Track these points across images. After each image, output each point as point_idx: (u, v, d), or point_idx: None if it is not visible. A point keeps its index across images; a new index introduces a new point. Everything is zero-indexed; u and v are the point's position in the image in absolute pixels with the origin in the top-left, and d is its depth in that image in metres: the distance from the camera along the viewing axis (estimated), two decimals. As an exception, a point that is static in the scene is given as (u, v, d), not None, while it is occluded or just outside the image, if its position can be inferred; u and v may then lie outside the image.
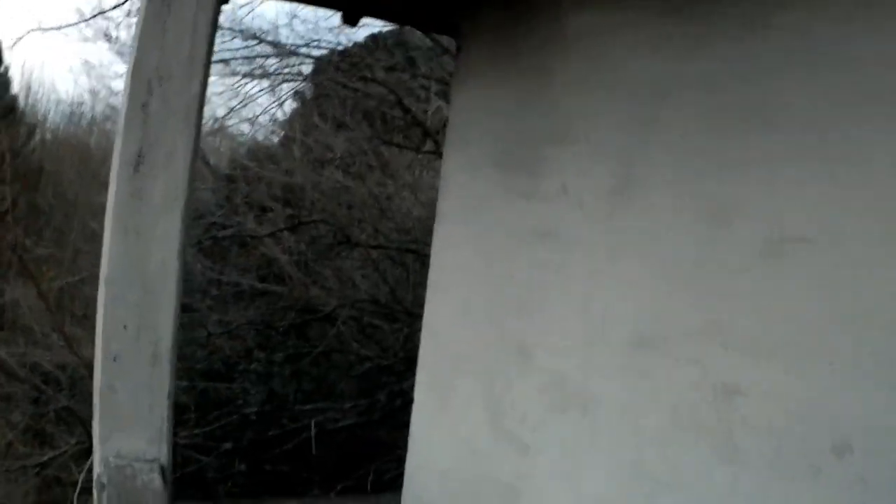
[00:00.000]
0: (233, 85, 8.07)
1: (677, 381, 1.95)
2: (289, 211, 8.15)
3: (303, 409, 6.51)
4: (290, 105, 9.92)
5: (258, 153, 9.84)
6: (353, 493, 4.92)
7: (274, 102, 9.29)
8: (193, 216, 9.20)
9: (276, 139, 10.26)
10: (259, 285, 8.05)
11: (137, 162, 1.59)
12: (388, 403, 6.47)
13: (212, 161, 9.36)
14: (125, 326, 1.64)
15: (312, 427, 5.91)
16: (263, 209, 8.51)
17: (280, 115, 9.76)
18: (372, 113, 8.07)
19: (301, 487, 5.63)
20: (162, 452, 1.70)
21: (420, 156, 7.87)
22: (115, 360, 1.64)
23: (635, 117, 2.18)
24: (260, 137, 9.97)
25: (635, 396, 2.09)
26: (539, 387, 2.45)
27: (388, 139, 7.87)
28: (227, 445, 5.87)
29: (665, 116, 2.09)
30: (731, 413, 1.79)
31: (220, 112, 8.87)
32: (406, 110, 7.53)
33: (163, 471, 1.71)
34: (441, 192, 3.19)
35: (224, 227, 8.27)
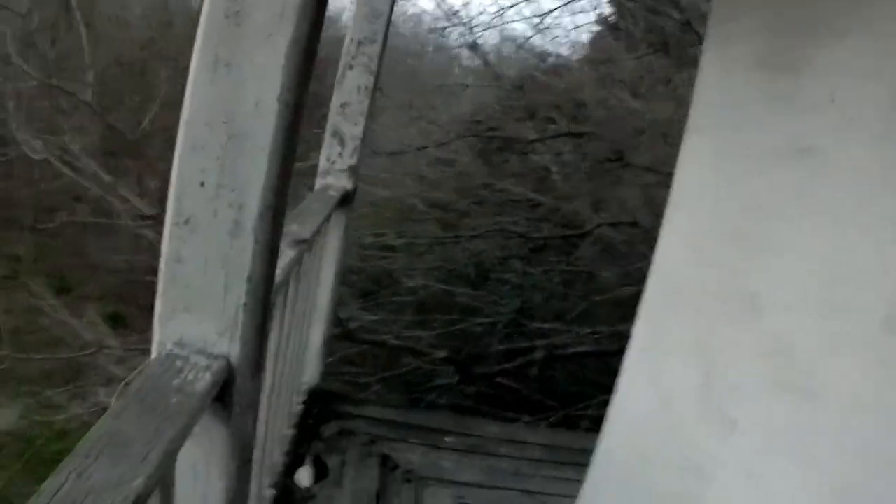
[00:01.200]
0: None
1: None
2: (569, 125, 7.80)
3: (540, 327, 6.21)
4: (585, 20, 9.62)
5: (548, 65, 9.58)
6: (565, 427, 4.53)
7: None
8: (471, 119, 9.22)
9: (568, 54, 9.98)
10: (529, 194, 7.83)
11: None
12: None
13: (494, 64, 9.16)
14: (202, 183, 1.32)
15: (540, 350, 5.58)
16: (544, 119, 8.26)
17: (574, 32, 9.43)
18: (665, 37, 7.55)
19: (513, 411, 5.38)
20: (234, 350, 1.39)
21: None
22: (186, 223, 1.33)
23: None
24: (551, 50, 9.65)
25: (883, 389, 1.49)
26: (761, 353, 1.88)
27: (679, 63, 7.27)
28: (441, 353, 5.70)
29: None
30: None
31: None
32: (699, 35, 6.82)
33: (231, 372, 1.40)
34: (694, 98, 2.60)
35: (495, 129, 8.10)
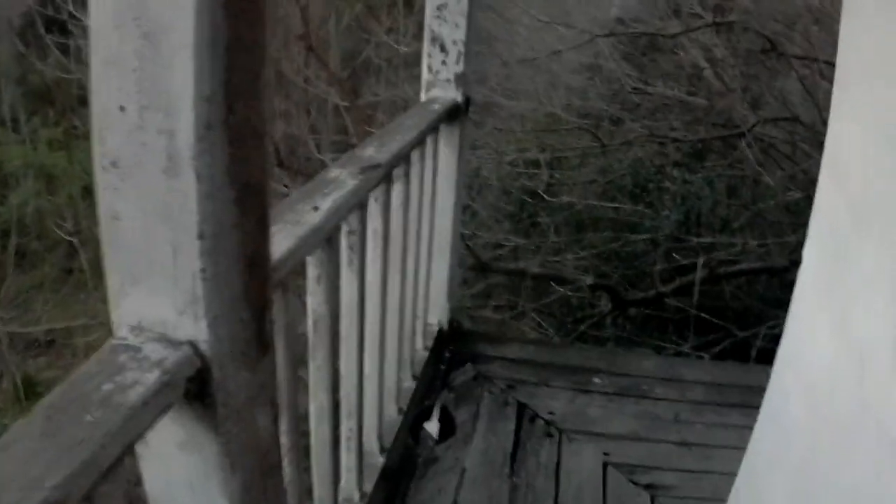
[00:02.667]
0: None
1: None
2: (714, 17, 6.95)
3: (703, 241, 5.53)
4: None
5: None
6: (732, 357, 3.95)
7: None
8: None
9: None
10: (680, 95, 7.07)
11: None
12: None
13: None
14: (122, 108, 0.91)
15: (703, 268, 4.94)
16: (689, 15, 7.41)
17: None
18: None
19: (674, 339, 4.81)
20: (201, 332, 0.98)
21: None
22: (114, 165, 0.92)
23: None
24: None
25: None
26: None
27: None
28: (588, 280, 5.14)
29: None
30: None
31: None
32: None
33: (204, 362, 1.00)
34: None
35: (637, 28, 7.34)
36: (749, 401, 3.12)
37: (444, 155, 3.06)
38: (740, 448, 2.64)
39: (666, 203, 7.23)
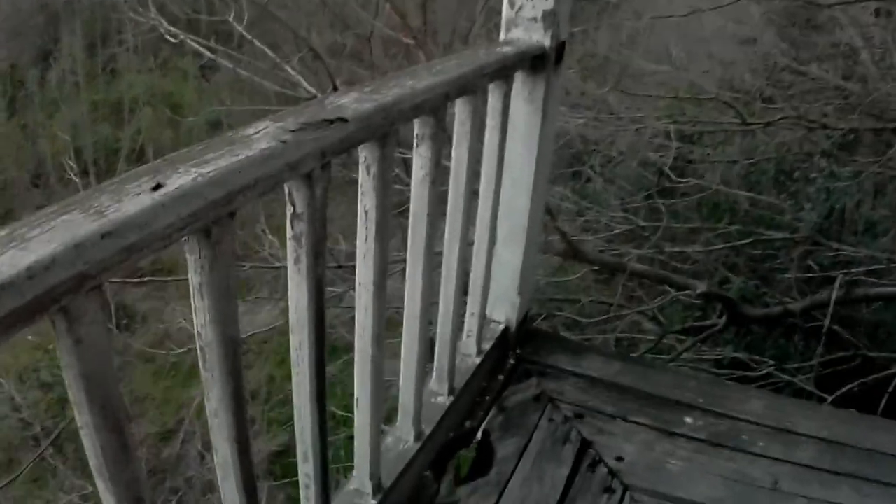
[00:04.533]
0: None
1: None
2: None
3: (841, 251, 4.65)
4: None
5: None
6: (859, 404, 3.19)
7: None
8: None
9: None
10: (834, 80, 6.14)
11: None
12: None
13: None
14: None
15: (835, 286, 4.11)
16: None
17: None
18: None
19: (793, 371, 4.03)
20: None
21: None
22: None
23: None
24: None
25: None
26: None
27: None
28: (701, 287, 4.35)
29: None
30: None
31: None
32: None
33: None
34: None
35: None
36: (862, 471, 2.43)
37: (522, 113, 2.43)
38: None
39: (810, 195, 6.36)
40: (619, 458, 2.42)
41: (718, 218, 6.15)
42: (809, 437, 2.53)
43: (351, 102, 1.46)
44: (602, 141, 6.48)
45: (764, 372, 4.25)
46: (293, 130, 1.28)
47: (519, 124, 2.42)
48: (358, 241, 1.69)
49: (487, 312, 2.79)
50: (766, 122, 6.24)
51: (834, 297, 4.04)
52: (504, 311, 2.78)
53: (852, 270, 4.44)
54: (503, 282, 2.70)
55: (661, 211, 5.69)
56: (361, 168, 1.60)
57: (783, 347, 4.54)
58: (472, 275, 2.47)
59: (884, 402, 3.39)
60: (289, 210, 1.42)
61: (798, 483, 2.34)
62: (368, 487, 2.02)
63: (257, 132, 1.26)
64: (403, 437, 2.23)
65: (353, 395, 1.90)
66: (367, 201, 1.63)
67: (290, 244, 1.45)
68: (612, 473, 2.36)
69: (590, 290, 5.31)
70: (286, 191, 1.39)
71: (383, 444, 2.19)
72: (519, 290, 2.72)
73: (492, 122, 2.24)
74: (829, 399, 3.77)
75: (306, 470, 1.75)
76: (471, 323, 2.56)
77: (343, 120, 1.38)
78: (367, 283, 1.73)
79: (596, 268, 5.03)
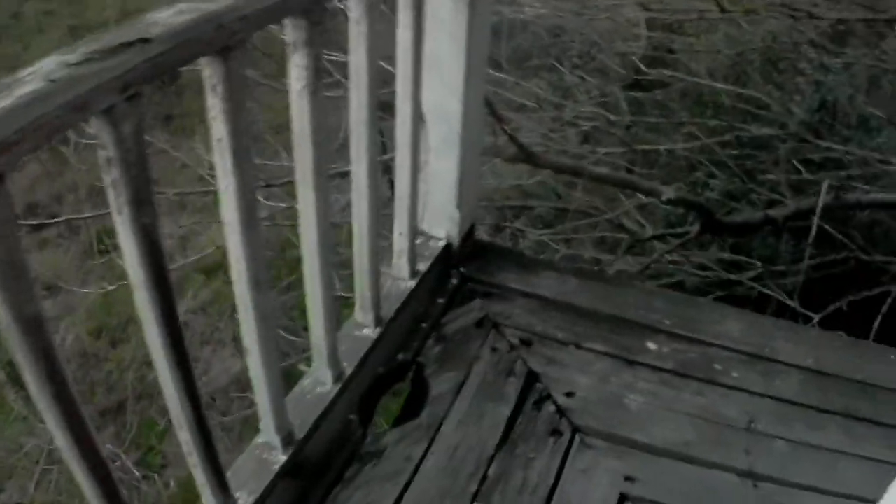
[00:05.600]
0: None
1: None
2: None
3: (832, 152, 4.23)
4: None
5: None
6: (849, 327, 2.87)
7: None
8: None
9: None
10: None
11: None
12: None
13: None
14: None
15: (822, 192, 3.74)
16: None
17: None
18: None
19: (774, 287, 3.70)
20: None
21: None
22: None
23: None
24: None
25: None
26: None
27: None
28: (669, 193, 3.96)
29: None
30: None
31: None
32: None
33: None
34: None
35: None
36: (853, 407, 2.12)
37: (446, 8, 2.01)
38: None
39: (799, 86, 5.93)
40: (570, 394, 2.11)
41: (700, 113, 5.73)
42: (792, 367, 2.22)
43: (169, 17, 1.09)
44: (575, 31, 5.99)
45: (747, 277, 3.92)
46: (75, 64, 0.96)
47: (443, 19, 2.02)
48: (217, 175, 1.32)
49: (426, 229, 2.44)
50: (747, 10, 5.76)
51: (821, 203, 3.68)
52: (444, 226, 2.42)
53: (842, 173, 4.06)
54: (440, 195, 2.34)
55: (640, 104, 5.24)
56: (207, 88, 1.23)
57: (770, 248, 4.19)
58: (396, 190, 2.10)
59: (877, 324, 3.06)
60: (101, 154, 1.07)
61: (777, 422, 2.05)
62: (277, 441, 1.71)
63: (31, 73, 0.93)
64: (321, 379, 1.90)
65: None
66: (218, 128, 1.27)
67: (109, 193, 1.10)
68: (561, 412, 2.05)
69: (550, 197, 4.90)
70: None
71: (299, 389, 1.89)
72: (458, 202, 2.36)
73: (403, 19, 1.83)
74: (816, 319, 3.44)
75: (184, 437, 1.43)
76: (400, 243, 2.21)
77: (145, 41, 1.02)
78: (233, 223, 1.38)
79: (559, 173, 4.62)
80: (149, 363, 1.41)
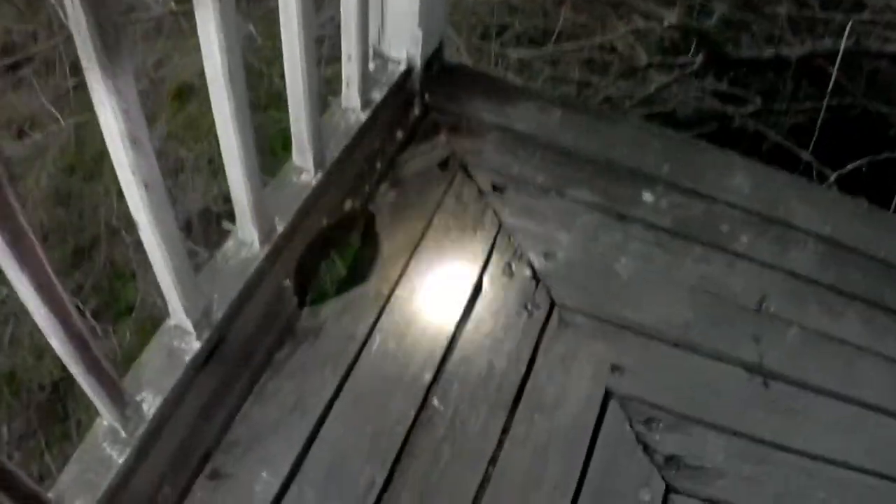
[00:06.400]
0: None
1: None
2: None
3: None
4: None
5: None
6: (871, 190, 2.52)
7: None
8: None
9: None
10: None
11: None
12: None
13: None
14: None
15: (845, 35, 3.28)
16: None
17: None
18: None
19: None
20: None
21: None
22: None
23: None
24: None
25: None
26: None
27: None
28: (670, 19, 3.46)
29: None
30: None
31: None
32: None
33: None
34: None
35: None
36: (875, 292, 1.80)
37: None
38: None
39: None
40: (549, 255, 1.76)
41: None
42: (809, 235, 1.88)
43: None
44: None
45: (749, 111, 3.53)
46: None
47: None
48: None
49: (384, 50, 2.00)
50: None
51: (843, 46, 3.24)
52: (403, 46, 1.98)
53: (863, 18, 3.59)
54: (398, 9, 1.89)
55: None
56: None
57: (769, 83, 3.77)
58: (342, 6, 1.65)
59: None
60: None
61: (791, 303, 1.72)
62: (189, 324, 1.36)
63: None
64: (245, 240, 1.53)
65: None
66: None
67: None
68: (537, 279, 1.71)
69: (537, 14, 4.34)
70: None
71: (220, 255, 1.52)
72: (420, 19, 1.91)
73: None
74: (833, 178, 3.07)
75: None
76: (349, 69, 1.78)
77: None
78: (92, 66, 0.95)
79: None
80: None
